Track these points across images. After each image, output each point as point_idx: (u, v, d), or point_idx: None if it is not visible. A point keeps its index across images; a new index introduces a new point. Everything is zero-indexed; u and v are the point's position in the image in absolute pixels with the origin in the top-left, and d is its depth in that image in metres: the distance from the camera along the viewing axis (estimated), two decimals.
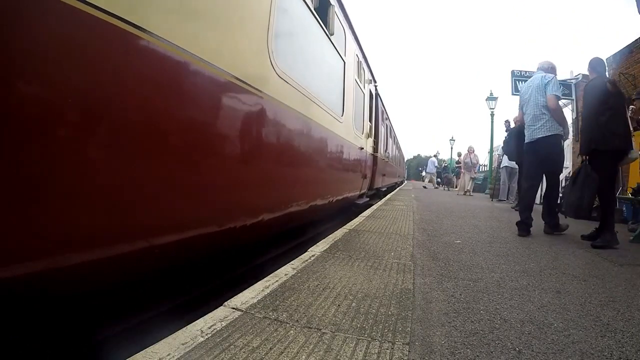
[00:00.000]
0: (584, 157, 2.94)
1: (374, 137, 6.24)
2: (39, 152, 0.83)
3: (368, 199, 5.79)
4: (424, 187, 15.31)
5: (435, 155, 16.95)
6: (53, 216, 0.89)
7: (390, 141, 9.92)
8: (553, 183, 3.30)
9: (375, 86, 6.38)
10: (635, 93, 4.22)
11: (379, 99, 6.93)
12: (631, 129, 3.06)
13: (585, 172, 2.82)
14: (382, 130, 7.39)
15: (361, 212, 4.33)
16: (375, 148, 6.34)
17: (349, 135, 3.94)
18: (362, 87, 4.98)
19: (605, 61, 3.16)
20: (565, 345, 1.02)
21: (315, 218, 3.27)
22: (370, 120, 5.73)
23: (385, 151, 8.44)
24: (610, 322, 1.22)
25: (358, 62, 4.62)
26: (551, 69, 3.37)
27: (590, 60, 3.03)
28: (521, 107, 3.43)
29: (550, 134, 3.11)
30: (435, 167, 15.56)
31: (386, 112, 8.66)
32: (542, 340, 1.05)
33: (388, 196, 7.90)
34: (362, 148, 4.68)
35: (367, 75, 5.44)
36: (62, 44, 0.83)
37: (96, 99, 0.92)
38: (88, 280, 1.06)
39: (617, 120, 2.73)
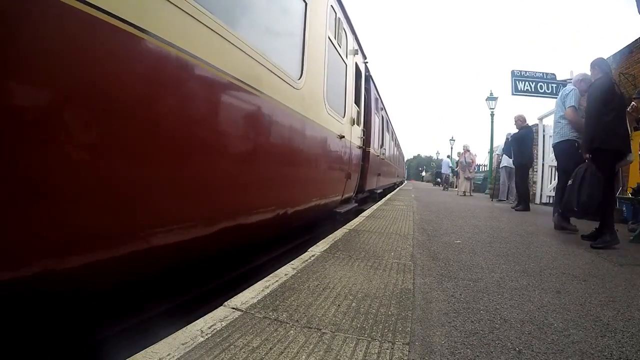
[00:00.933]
0: (587, 156, 2.93)
1: (364, 127, 5.00)
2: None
3: (356, 204, 4.76)
4: (443, 189, 15.05)
5: (448, 156, 16.78)
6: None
7: (387, 136, 8.47)
8: (562, 184, 3.45)
9: (366, 63, 5.03)
10: (635, 92, 4.22)
11: (371, 81, 5.60)
12: (630, 131, 3.10)
13: (591, 170, 2.79)
14: (375, 121, 6.08)
15: (349, 220, 3.60)
16: (367, 141, 5.24)
17: (317, 113, 2.68)
18: (344, 56, 3.68)
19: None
20: (565, 345, 1.02)
21: (242, 243, 1.93)
22: (357, 104, 4.41)
23: (381, 147, 7.18)
24: (610, 322, 1.22)
25: (336, 18, 3.33)
26: (580, 82, 3.51)
27: (595, 60, 3.03)
28: None
29: (561, 139, 3.54)
30: (450, 167, 15.45)
31: (382, 101, 7.26)
32: (542, 340, 1.05)
33: (388, 196, 7.87)
34: (343, 137, 3.52)
35: (351, 43, 4.10)
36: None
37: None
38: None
39: (620, 121, 2.78)
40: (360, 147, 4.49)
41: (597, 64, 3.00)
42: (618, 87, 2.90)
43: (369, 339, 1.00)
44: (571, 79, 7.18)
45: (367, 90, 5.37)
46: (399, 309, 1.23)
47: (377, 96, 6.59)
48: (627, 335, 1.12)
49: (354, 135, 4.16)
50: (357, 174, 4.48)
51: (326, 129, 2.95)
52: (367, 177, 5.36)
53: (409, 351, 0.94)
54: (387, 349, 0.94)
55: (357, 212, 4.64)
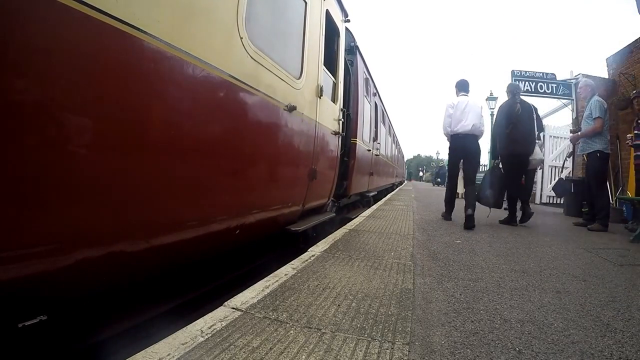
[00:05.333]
0: (495, 161, 3.87)
1: (346, 109, 3.79)
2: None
3: (334, 214, 3.59)
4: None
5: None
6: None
7: (382, 129, 6.94)
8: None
9: (346, 22, 3.64)
10: (636, 92, 4.25)
11: (357, 53, 4.36)
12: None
13: (491, 172, 3.85)
14: (366, 106, 4.81)
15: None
16: (353, 131, 4.07)
17: (205, 41, 1.35)
18: None
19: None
20: (565, 345, 1.02)
21: None
22: (333, 75, 3.28)
23: (375, 140, 5.79)
24: (610, 322, 1.22)
25: None
26: (585, 87, 3.98)
27: (508, 85, 3.95)
28: None
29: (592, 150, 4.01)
30: (441, 166, 15.35)
31: (375, 85, 5.89)
32: (542, 340, 1.05)
33: (388, 196, 7.85)
34: (295, 108, 2.16)
35: None
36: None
37: None
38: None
39: (519, 132, 3.63)
40: (337, 134, 3.26)
41: (509, 89, 3.87)
42: (521, 104, 3.69)
43: (369, 339, 1.00)
44: (572, 79, 7.22)
45: (352, 64, 4.25)
46: (399, 309, 1.23)
47: (368, 76, 5.13)
48: (627, 335, 1.12)
49: (325, 114, 2.89)
50: (333, 171, 3.30)
51: (245, 84, 1.62)
52: (353, 177, 4.13)
53: (409, 351, 0.94)
54: (387, 349, 0.94)
55: (341, 222, 3.76)
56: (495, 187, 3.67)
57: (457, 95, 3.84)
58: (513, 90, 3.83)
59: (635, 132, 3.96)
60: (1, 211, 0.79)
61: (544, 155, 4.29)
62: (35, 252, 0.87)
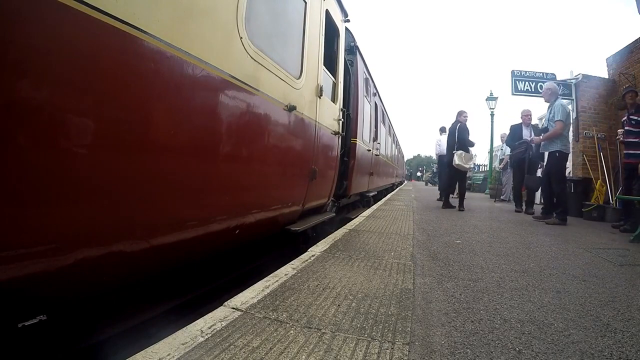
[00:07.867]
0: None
1: (346, 109, 3.84)
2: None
3: (334, 214, 3.59)
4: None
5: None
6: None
7: (382, 129, 6.94)
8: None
9: (346, 22, 3.64)
10: (626, 87, 4.26)
11: (357, 53, 4.35)
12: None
13: (446, 171, 5.60)
14: (366, 106, 4.83)
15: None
16: (353, 131, 4.07)
17: (207, 41, 1.35)
18: None
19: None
20: (565, 345, 1.02)
21: None
22: (333, 75, 3.28)
23: (375, 140, 5.80)
24: (610, 322, 1.22)
25: None
26: (547, 91, 4.37)
27: (459, 110, 5.42)
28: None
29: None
30: (433, 166, 15.19)
31: (374, 85, 5.87)
32: (542, 340, 1.05)
33: (388, 196, 7.86)
34: (294, 108, 2.16)
35: None
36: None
37: None
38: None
39: (460, 144, 5.14)
40: (337, 134, 3.25)
41: (458, 113, 5.35)
42: (452, 125, 5.34)
43: (369, 339, 1.00)
44: (572, 79, 7.23)
45: (352, 64, 4.25)
46: (399, 309, 1.23)
47: (368, 76, 5.14)
48: (627, 335, 1.12)
49: (325, 114, 2.88)
50: (333, 171, 3.30)
51: (244, 84, 1.61)
52: (353, 177, 4.12)
53: (409, 351, 0.94)
54: (387, 349, 0.94)
55: (341, 222, 3.77)
56: (444, 180, 5.88)
57: (441, 135, 7.71)
58: (458, 116, 5.35)
59: (626, 128, 3.90)
60: (1, 211, 0.79)
61: (462, 162, 5.14)
62: (35, 252, 0.87)
